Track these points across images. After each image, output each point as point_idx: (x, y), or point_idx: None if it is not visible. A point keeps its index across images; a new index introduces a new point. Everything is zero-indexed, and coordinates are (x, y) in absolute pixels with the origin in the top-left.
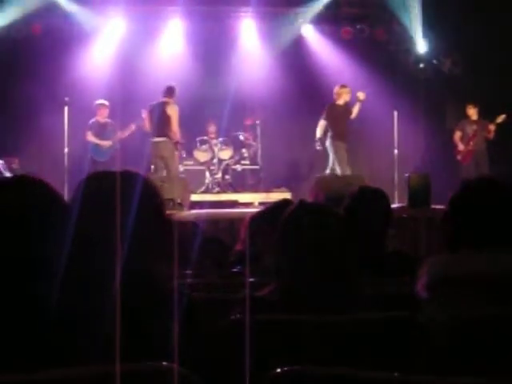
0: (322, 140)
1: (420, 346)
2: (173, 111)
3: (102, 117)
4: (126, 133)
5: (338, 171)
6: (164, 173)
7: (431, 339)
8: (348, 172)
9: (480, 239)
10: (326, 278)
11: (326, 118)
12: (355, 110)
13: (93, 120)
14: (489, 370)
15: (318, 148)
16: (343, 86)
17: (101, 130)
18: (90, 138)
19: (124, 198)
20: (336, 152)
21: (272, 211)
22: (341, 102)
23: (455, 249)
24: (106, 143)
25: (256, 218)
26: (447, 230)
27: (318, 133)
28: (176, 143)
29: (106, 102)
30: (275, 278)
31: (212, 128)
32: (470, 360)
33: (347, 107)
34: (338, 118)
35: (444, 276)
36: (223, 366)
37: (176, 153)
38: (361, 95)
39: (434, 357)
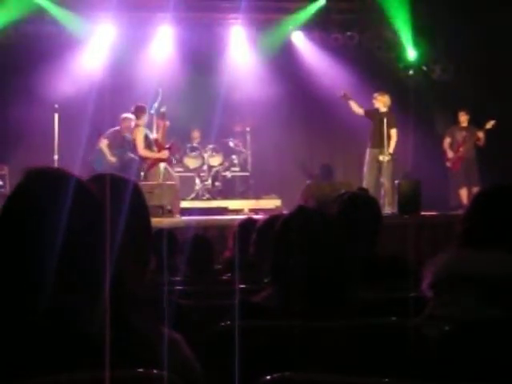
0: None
1: (413, 352)
2: (135, 134)
3: (126, 130)
4: None
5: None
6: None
7: (424, 345)
8: (368, 180)
9: (492, 240)
10: (323, 284)
11: None
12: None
13: (113, 129)
14: (487, 377)
15: None
16: (377, 95)
17: (116, 143)
18: (103, 146)
19: (114, 202)
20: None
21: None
22: (376, 107)
23: (464, 247)
24: (113, 160)
25: (247, 225)
26: (464, 227)
27: None
28: (146, 161)
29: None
30: (271, 284)
31: (196, 134)
32: (466, 366)
33: (380, 113)
34: (372, 124)
35: (449, 275)
36: (213, 373)
37: (153, 170)
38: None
39: (427, 363)
